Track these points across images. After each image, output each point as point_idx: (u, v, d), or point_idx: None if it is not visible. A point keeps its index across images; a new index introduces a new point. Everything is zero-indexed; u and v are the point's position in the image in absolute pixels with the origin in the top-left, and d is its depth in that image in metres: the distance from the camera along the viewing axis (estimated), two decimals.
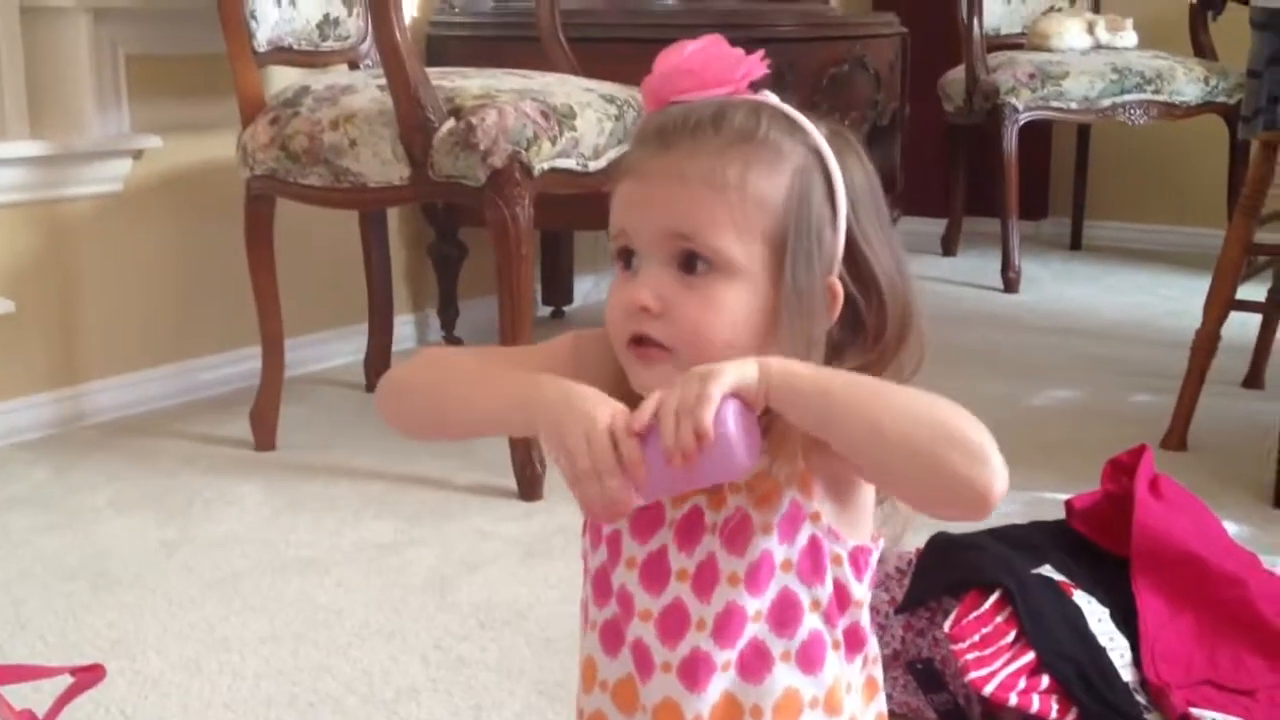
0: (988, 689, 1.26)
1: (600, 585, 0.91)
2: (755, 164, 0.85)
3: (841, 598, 0.88)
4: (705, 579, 0.87)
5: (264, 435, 2.25)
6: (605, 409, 0.81)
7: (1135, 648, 1.38)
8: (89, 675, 1.26)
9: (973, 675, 1.27)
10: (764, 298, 0.86)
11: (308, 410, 2.46)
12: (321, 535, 1.88)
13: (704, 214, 0.85)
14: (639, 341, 0.86)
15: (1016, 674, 1.29)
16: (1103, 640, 1.36)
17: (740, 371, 0.80)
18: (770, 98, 0.90)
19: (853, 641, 0.89)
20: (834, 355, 0.88)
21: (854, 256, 0.88)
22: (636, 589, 0.89)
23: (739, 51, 0.89)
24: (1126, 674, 1.34)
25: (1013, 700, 1.26)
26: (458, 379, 0.91)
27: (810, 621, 0.87)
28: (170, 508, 1.99)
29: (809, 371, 0.82)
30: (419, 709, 1.40)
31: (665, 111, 0.88)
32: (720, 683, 0.87)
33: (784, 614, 0.87)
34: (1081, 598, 1.40)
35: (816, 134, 0.88)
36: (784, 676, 0.87)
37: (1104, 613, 1.40)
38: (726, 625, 0.86)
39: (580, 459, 0.79)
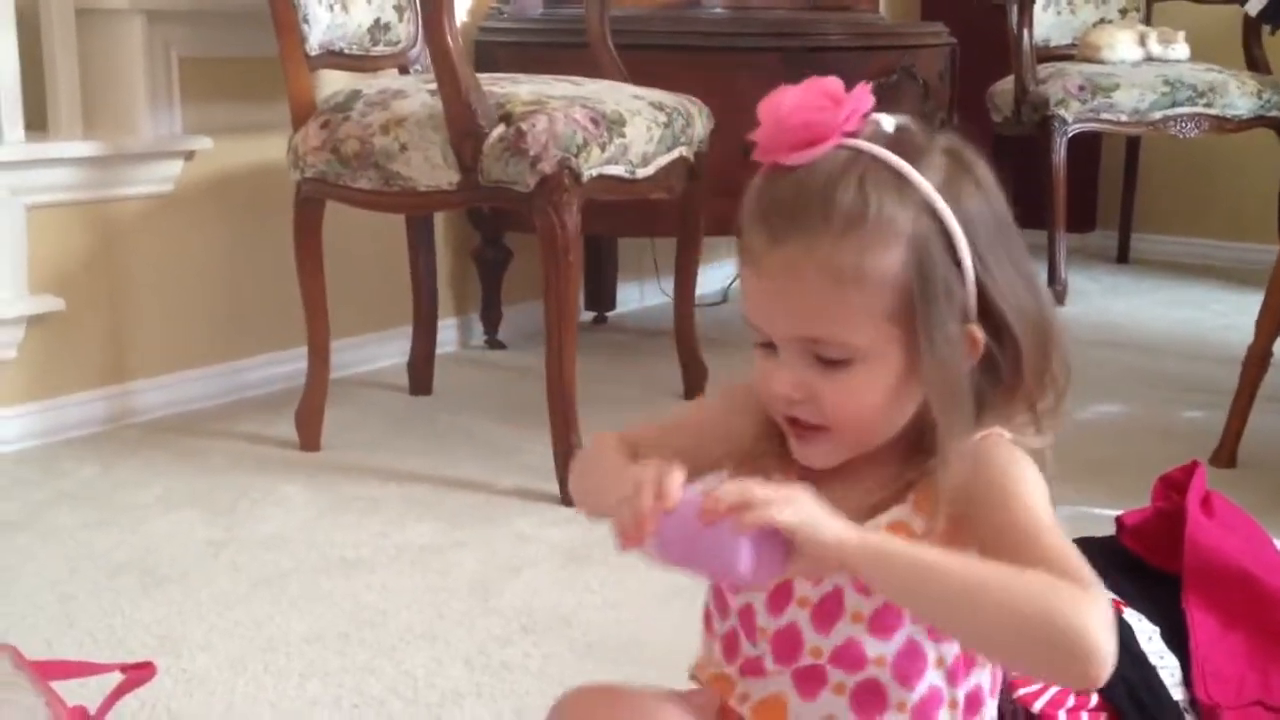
0: (1037, 705, 1.25)
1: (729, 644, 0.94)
2: (870, 247, 0.84)
3: (970, 658, 0.88)
4: (828, 610, 0.89)
5: (309, 436, 2.27)
6: (666, 470, 0.84)
7: (1185, 667, 1.36)
8: (139, 672, 1.27)
9: (1021, 693, 1.26)
10: (904, 366, 0.86)
11: (353, 412, 2.47)
12: (366, 536, 1.89)
13: (828, 313, 0.85)
14: (794, 421, 0.89)
15: (1065, 691, 1.27)
16: (1153, 659, 1.34)
17: (817, 525, 0.81)
18: (876, 148, 0.86)
19: (972, 704, 0.90)
20: (976, 402, 0.88)
21: (982, 298, 0.87)
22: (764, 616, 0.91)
23: (839, 92, 0.87)
24: (1176, 693, 1.32)
25: (1062, 718, 1.25)
26: (590, 467, 0.99)
27: (931, 677, 0.87)
28: (217, 506, 2.00)
29: (904, 547, 0.82)
30: (462, 713, 1.40)
31: (773, 189, 0.86)
32: (829, 703, 0.88)
33: (908, 665, 0.87)
34: (1131, 615, 1.38)
35: (926, 187, 0.85)
36: None
37: (1154, 631, 1.38)
38: (845, 655, 0.88)
39: (625, 487, 0.83)
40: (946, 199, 0.85)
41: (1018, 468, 0.86)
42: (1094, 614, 0.77)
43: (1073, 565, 0.81)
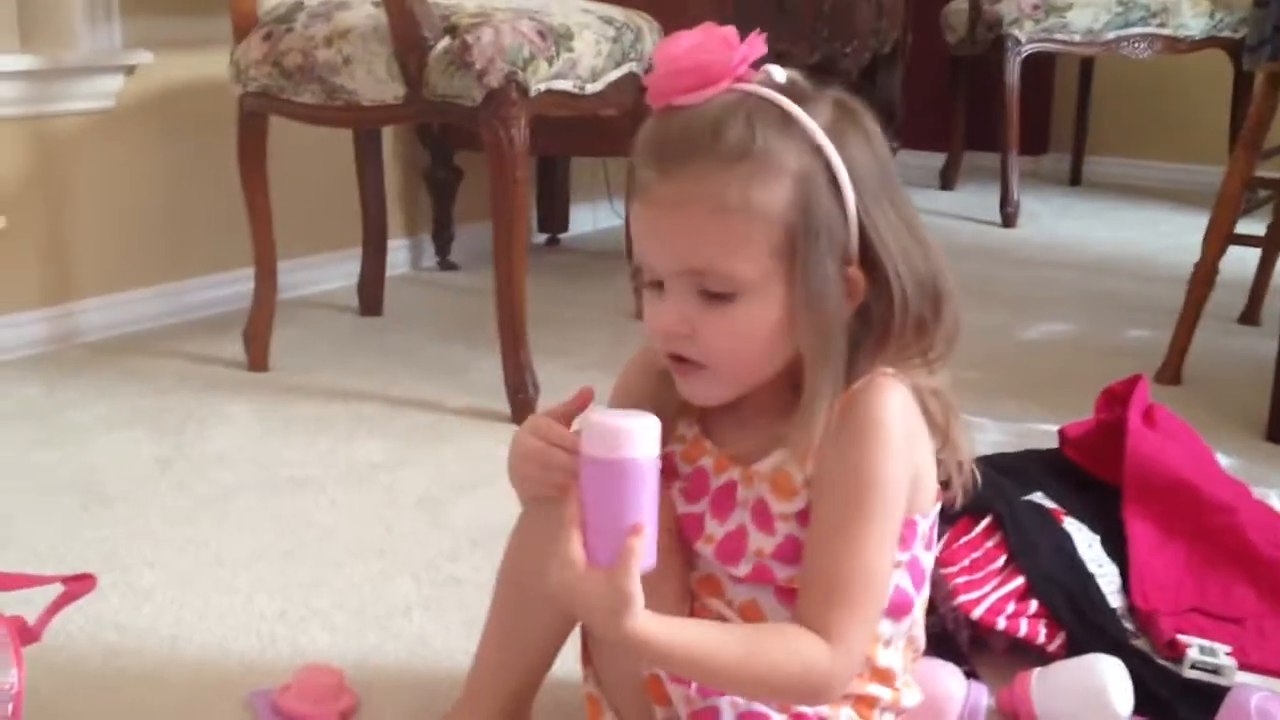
0: (976, 612, 1.27)
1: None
2: (755, 180, 0.86)
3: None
4: (732, 547, 0.96)
5: (257, 356, 2.25)
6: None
7: (1124, 574, 1.38)
8: (80, 584, 1.26)
9: (962, 599, 1.27)
10: (784, 304, 0.89)
11: (301, 332, 2.45)
12: (314, 455, 1.88)
13: (711, 245, 0.87)
14: (678, 359, 0.92)
15: (1005, 598, 1.29)
16: (1091, 566, 1.36)
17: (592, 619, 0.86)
18: (765, 90, 0.89)
19: (895, 606, 0.95)
20: (850, 348, 0.91)
21: (864, 243, 0.89)
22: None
23: (732, 37, 0.89)
24: (1115, 600, 1.34)
25: (1001, 624, 1.27)
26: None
27: None
28: (163, 426, 1.98)
29: (670, 639, 0.85)
30: (409, 625, 1.40)
31: (663, 127, 0.89)
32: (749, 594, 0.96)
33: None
34: (1072, 524, 1.40)
35: (813, 129, 0.88)
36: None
37: (1094, 539, 1.40)
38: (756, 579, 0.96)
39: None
40: (832, 141, 0.88)
41: (870, 446, 0.89)
42: (835, 681, 0.86)
43: (841, 598, 0.87)
